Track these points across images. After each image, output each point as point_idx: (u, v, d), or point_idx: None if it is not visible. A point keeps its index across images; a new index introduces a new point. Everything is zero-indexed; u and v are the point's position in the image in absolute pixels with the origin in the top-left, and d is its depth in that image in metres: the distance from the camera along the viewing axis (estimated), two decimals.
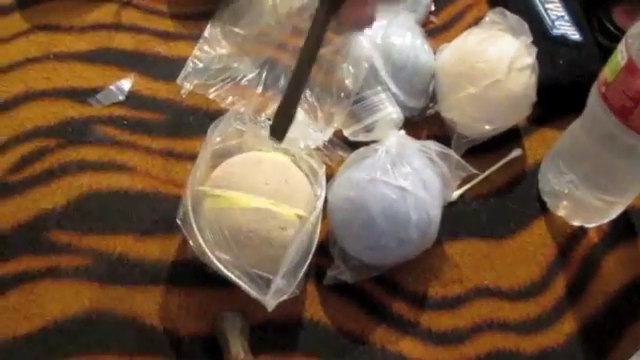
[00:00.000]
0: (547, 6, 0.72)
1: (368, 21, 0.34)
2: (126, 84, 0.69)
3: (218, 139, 0.56)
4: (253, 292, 0.50)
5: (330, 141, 0.65)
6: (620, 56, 0.50)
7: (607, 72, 0.52)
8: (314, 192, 0.56)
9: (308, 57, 0.37)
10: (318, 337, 0.56)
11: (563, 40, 0.69)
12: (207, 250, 0.51)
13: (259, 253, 0.52)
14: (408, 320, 0.57)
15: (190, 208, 0.52)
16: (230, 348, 0.51)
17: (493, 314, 0.58)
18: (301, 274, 0.52)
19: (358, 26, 0.39)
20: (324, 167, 0.57)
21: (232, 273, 0.50)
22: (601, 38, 0.71)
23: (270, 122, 0.43)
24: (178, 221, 0.53)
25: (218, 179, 0.55)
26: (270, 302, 0.50)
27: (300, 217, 0.53)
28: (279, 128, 0.44)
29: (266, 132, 0.56)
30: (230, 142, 0.57)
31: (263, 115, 0.66)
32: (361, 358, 0.55)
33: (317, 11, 0.35)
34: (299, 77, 0.39)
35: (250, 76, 0.69)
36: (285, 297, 0.51)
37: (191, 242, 0.52)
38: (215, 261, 0.51)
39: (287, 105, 0.41)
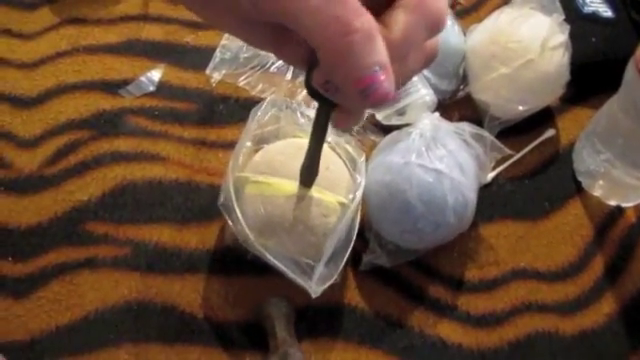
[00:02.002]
0: None
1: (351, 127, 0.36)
2: (156, 75, 0.69)
3: (256, 124, 0.56)
4: (298, 279, 0.50)
5: (362, 126, 0.64)
6: None
7: None
8: (354, 179, 0.56)
9: (318, 144, 0.42)
10: (356, 322, 0.56)
11: (595, 17, 0.68)
12: (251, 236, 0.51)
13: (302, 240, 0.52)
14: (445, 303, 0.57)
15: (233, 193, 0.52)
16: (277, 333, 0.51)
17: (531, 296, 0.58)
18: (343, 261, 0.52)
19: (345, 130, 0.42)
20: (364, 155, 0.57)
21: (276, 259, 0.51)
22: (634, 14, 0.70)
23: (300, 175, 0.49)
24: (220, 207, 0.53)
25: (259, 165, 0.55)
26: (315, 289, 0.50)
27: (342, 204, 0.53)
28: (307, 182, 0.50)
29: (302, 119, 0.56)
30: (267, 128, 0.57)
31: (294, 102, 0.66)
32: (399, 342, 0.56)
33: (317, 112, 0.38)
34: (314, 150, 0.44)
35: (279, 63, 0.69)
36: (329, 284, 0.51)
37: (234, 228, 0.52)
38: (259, 247, 0.51)
39: (310, 164, 0.47)
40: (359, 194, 0.54)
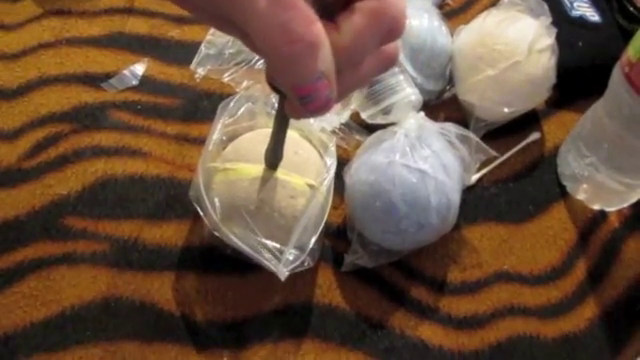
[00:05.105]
0: None
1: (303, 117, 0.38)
2: (140, 69, 0.68)
3: (230, 120, 0.56)
4: (266, 262, 0.50)
5: (347, 124, 0.64)
6: None
7: (631, 52, 0.51)
8: (325, 163, 0.55)
9: (280, 127, 0.46)
10: (336, 322, 0.56)
11: (582, 22, 0.68)
12: (220, 223, 0.51)
13: (270, 223, 0.51)
14: (427, 305, 0.57)
15: (202, 184, 0.52)
16: None
17: (513, 299, 0.58)
18: (311, 244, 0.52)
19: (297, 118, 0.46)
20: (334, 138, 0.57)
21: (246, 245, 0.50)
22: (620, 19, 0.70)
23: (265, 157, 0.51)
24: (191, 198, 0.53)
25: (228, 154, 0.55)
26: (283, 271, 0.49)
27: (311, 186, 0.53)
28: (272, 164, 0.51)
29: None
30: (242, 124, 0.57)
31: (269, 97, 0.65)
32: (380, 343, 0.55)
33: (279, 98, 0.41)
34: (277, 133, 0.47)
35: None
36: (297, 264, 0.51)
37: (204, 218, 0.52)
38: (229, 234, 0.50)
39: (274, 147, 0.49)
40: (330, 176, 0.54)
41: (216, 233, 0.52)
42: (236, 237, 0.50)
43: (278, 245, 0.51)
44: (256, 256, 0.50)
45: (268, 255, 0.50)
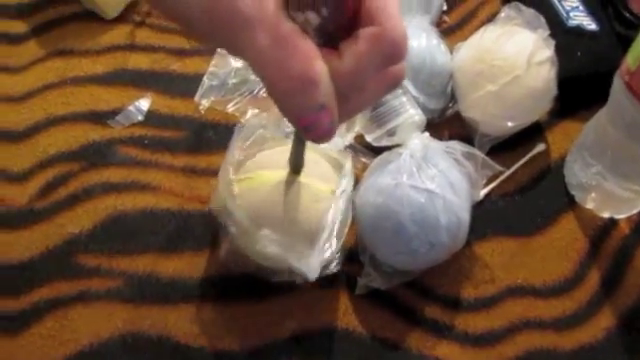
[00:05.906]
0: None
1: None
2: (144, 104, 0.69)
3: (244, 144, 0.57)
4: (296, 265, 0.50)
5: (351, 147, 0.64)
6: None
7: (630, 60, 0.51)
8: (342, 176, 0.56)
9: (299, 142, 0.47)
10: (353, 346, 0.56)
11: (579, 31, 0.69)
12: (248, 227, 0.51)
13: (296, 228, 0.52)
14: (443, 324, 0.57)
15: (225, 192, 0.52)
16: None
17: (528, 312, 0.58)
18: (335, 246, 0.52)
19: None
20: (349, 157, 0.57)
21: (274, 248, 0.50)
22: (618, 26, 0.70)
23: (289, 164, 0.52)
24: (212, 211, 0.53)
25: (248, 167, 0.55)
26: (313, 272, 0.50)
27: (333, 192, 0.53)
28: (295, 169, 0.52)
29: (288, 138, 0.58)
30: (254, 149, 0.57)
31: (282, 124, 0.66)
32: None
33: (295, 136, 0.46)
34: (298, 146, 0.48)
35: None
36: (323, 264, 0.51)
37: (229, 227, 0.52)
38: (255, 240, 0.51)
39: (296, 157, 0.50)
40: (349, 189, 0.54)
41: (239, 243, 0.52)
42: (264, 241, 0.51)
43: (304, 249, 0.51)
44: (285, 258, 0.50)
45: (296, 258, 0.50)
